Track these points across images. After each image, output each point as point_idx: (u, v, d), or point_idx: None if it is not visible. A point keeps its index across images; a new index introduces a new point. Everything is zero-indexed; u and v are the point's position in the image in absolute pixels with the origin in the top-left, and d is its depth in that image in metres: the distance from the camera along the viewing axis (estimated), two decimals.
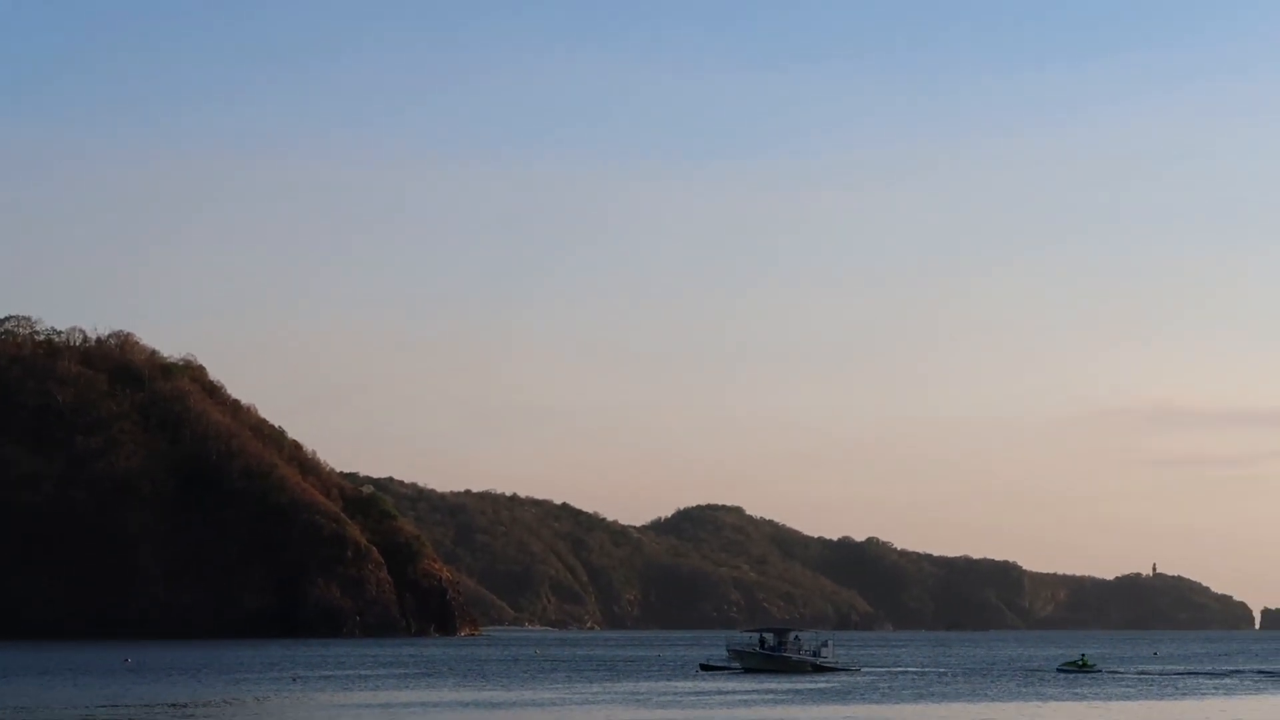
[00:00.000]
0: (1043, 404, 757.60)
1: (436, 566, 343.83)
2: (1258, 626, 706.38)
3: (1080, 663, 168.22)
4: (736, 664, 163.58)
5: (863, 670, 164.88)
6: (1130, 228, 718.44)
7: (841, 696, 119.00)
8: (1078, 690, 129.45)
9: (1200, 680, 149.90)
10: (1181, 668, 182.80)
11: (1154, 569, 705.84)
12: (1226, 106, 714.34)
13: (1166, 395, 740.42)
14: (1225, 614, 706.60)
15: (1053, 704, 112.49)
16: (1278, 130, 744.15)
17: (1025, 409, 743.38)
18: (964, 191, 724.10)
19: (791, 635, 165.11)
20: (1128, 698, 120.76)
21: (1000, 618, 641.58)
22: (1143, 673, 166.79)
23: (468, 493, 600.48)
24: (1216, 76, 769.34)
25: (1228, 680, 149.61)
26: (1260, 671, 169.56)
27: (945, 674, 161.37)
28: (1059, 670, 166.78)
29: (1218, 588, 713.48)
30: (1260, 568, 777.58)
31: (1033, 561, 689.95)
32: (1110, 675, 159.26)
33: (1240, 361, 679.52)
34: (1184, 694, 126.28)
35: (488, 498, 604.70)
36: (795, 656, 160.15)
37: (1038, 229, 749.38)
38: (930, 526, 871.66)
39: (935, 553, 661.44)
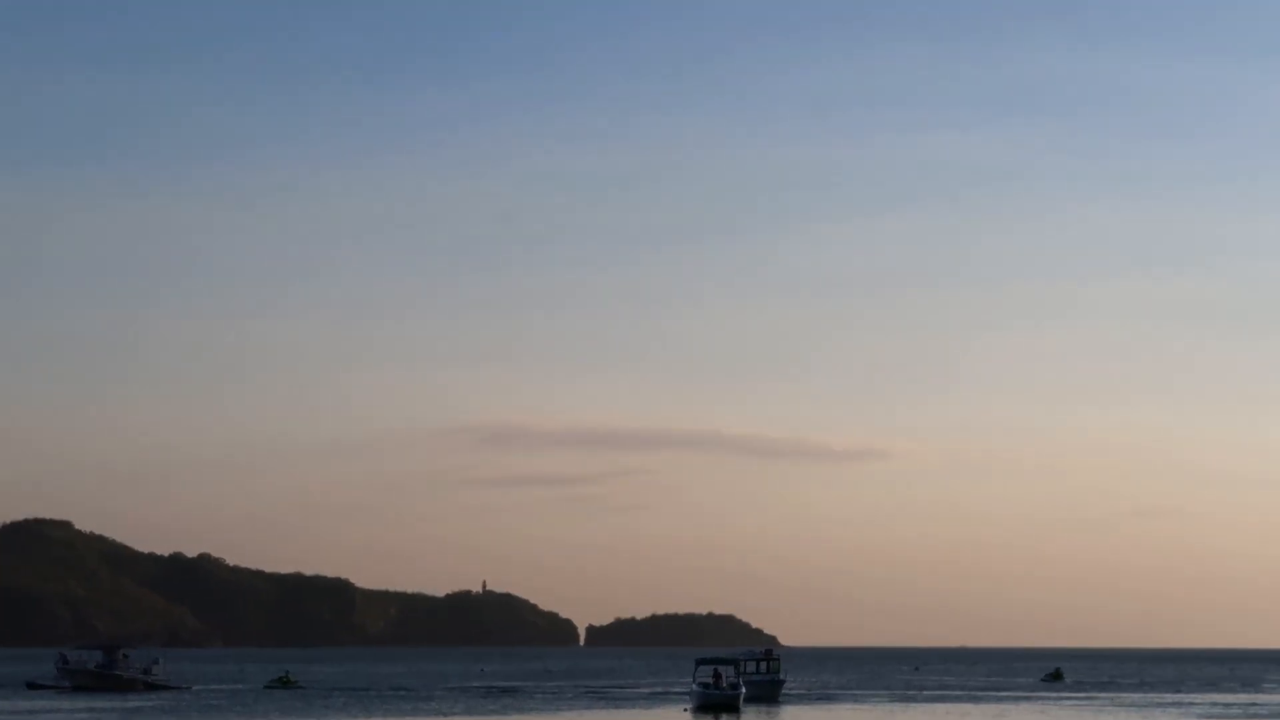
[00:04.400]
0: (377, 423, 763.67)
1: None
2: (582, 643, 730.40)
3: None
4: (66, 682, 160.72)
5: (193, 687, 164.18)
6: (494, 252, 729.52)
7: (170, 713, 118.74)
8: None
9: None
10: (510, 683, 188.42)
11: (484, 586, 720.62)
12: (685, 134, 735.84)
13: (501, 416, 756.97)
14: (553, 631, 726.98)
15: None
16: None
17: (361, 428, 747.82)
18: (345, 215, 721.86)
19: (121, 653, 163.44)
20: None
21: (333, 634, 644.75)
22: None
23: None
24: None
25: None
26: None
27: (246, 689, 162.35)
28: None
29: (545, 605, 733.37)
30: (585, 586, 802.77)
31: (365, 579, 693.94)
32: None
33: (571, 384, 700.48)
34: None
35: None
36: (125, 674, 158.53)
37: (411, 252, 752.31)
38: (264, 543, 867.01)
39: (269, 569, 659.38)
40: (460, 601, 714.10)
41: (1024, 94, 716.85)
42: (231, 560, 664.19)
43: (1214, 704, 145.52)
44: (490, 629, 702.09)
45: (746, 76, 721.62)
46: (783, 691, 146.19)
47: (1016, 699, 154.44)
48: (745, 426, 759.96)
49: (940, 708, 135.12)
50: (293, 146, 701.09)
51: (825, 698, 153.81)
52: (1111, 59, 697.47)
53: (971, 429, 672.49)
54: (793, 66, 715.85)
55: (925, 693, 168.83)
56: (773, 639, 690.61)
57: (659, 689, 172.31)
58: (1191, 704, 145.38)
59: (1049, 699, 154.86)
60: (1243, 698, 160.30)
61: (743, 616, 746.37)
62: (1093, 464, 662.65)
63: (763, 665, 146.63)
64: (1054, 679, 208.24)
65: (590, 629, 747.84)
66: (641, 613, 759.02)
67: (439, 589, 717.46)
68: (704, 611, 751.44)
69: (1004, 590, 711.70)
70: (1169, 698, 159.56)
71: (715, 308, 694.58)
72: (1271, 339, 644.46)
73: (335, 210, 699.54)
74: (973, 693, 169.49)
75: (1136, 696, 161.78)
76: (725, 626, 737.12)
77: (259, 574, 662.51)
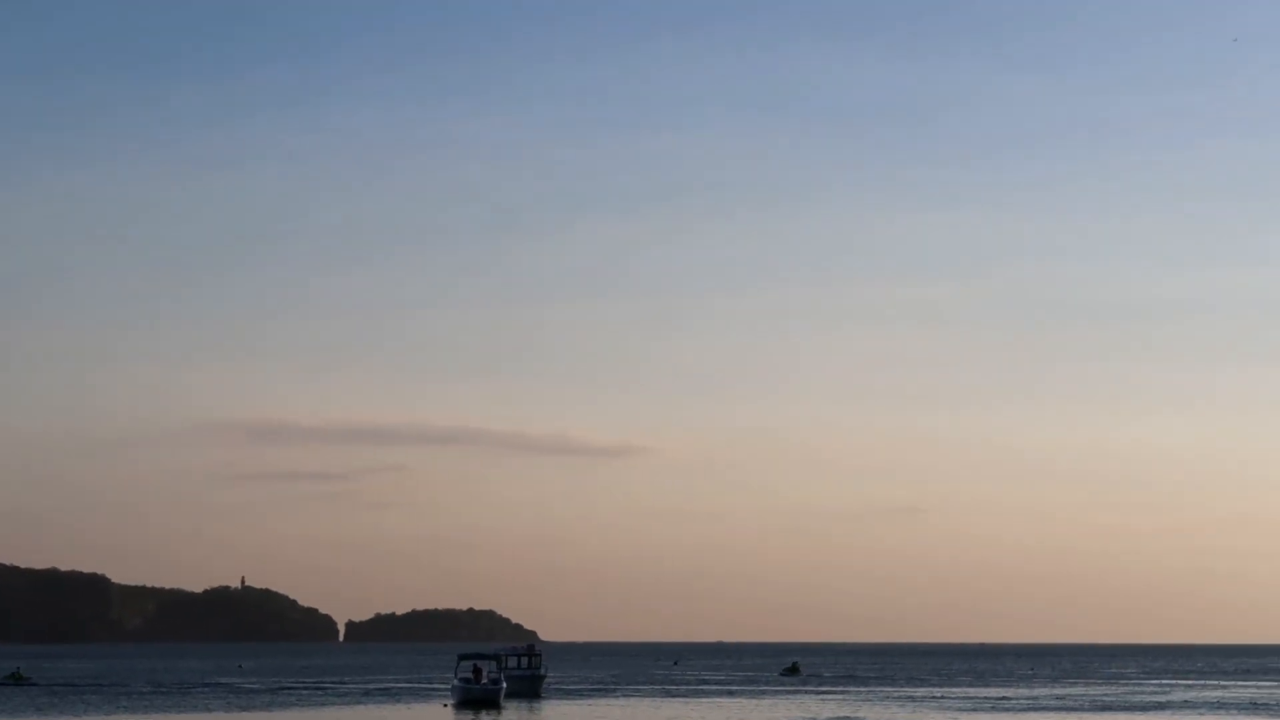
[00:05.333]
0: (134, 419, 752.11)
1: None
2: (342, 639, 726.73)
3: None
4: None
5: None
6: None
7: None
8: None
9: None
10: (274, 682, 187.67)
11: (243, 582, 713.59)
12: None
13: (259, 413, 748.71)
14: (313, 627, 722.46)
15: None
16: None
17: (117, 424, 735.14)
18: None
19: None
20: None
21: (90, 630, 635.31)
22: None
23: None
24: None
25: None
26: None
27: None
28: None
29: (305, 601, 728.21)
30: (345, 582, 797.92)
31: (122, 574, 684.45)
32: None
33: (331, 380, 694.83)
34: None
35: None
36: None
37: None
38: (19, 538, 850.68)
39: (23, 565, 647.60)
40: (219, 598, 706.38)
41: (787, 95, 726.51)
42: None
43: (945, 696, 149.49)
44: (250, 625, 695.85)
45: (509, 73, 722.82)
46: (544, 686, 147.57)
47: (761, 693, 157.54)
48: (505, 423, 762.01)
49: (696, 702, 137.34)
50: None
51: (587, 693, 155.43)
52: (875, 63, 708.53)
53: (730, 428, 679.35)
54: (558, 65, 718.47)
55: (684, 687, 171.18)
56: (533, 634, 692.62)
57: (420, 684, 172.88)
58: (928, 697, 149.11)
59: (785, 692, 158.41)
60: (985, 691, 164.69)
61: (503, 612, 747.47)
62: (840, 460, 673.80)
63: (524, 661, 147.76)
64: (791, 673, 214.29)
65: (350, 625, 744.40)
66: (401, 609, 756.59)
67: (197, 585, 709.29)
68: (464, 607, 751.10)
69: (758, 587, 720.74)
70: (904, 691, 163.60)
71: (475, 305, 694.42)
72: (1012, 340, 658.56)
73: (81, 209, 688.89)
74: (728, 687, 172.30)
75: (869, 690, 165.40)
76: (485, 622, 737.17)
77: (13, 569, 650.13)
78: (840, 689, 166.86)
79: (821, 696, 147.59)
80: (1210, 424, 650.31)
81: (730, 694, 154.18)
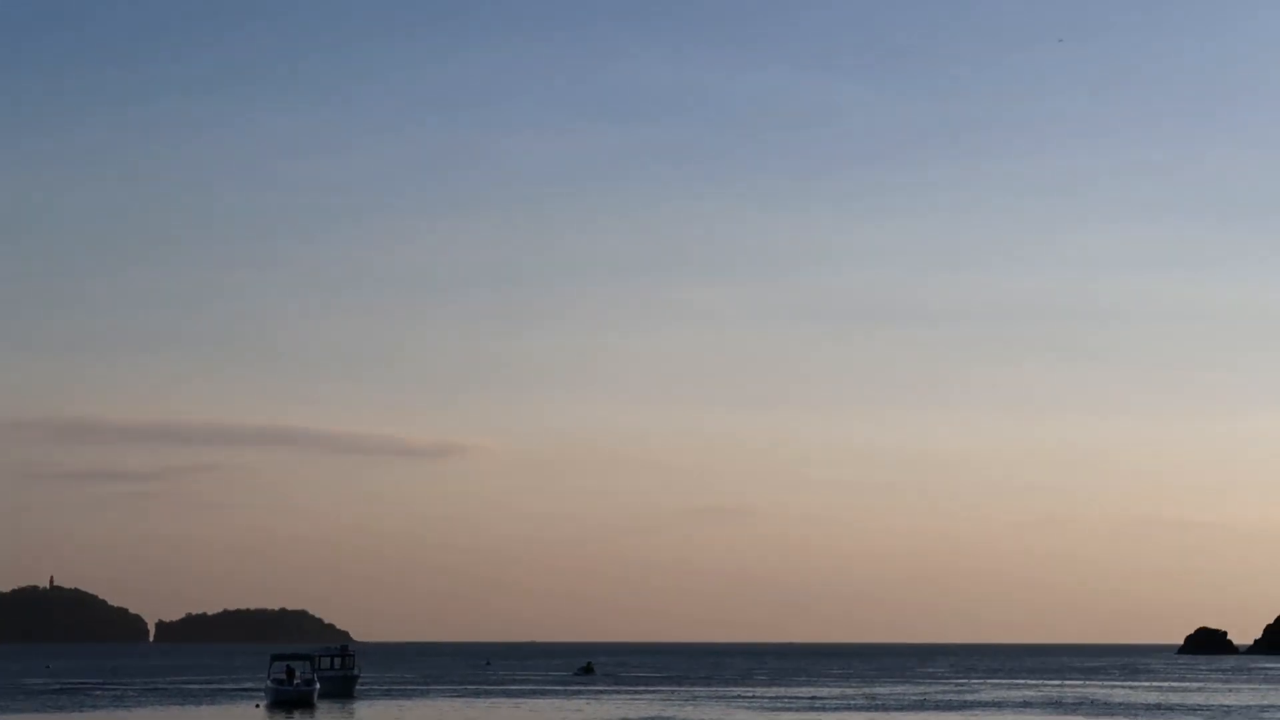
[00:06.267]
0: None
1: None
2: (152, 639, 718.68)
3: None
4: None
5: None
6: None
7: None
8: None
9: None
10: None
11: (51, 582, 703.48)
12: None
13: (68, 410, 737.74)
14: (123, 627, 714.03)
15: None
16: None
17: None
18: None
19: None
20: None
21: None
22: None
23: None
24: None
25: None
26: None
27: None
28: None
29: (115, 601, 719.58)
30: (156, 581, 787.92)
31: None
32: None
33: (144, 378, 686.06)
34: None
35: None
36: None
37: None
38: None
39: None
40: (26, 597, 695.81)
41: (613, 98, 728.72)
42: None
43: (755, 696, 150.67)
44: (58, 625, 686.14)
45: (336, 77, 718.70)
46: (357, 687, 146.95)
47: (555, 692, 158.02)
48: (323, 423, 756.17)
49: (500, 703, 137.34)
50: None
51: (399, 694, 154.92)
52: (703, 66, 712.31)
53: (548, 429, 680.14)
54: (383, 65, 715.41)
55: (497, 688, 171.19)
56: (345, 634, 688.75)
57: (231, 685, 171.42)
58: (737, 696, 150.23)
59: (574, 693, 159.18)
60: (797, 691, 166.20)
61: (316, 612, 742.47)
62: (660, 461, 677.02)
63: (338, 661, 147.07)
64: (585, 672, 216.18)
65: (161, 625, 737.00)
66: (213, 609, 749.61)
67: (4, 585, 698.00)
68: (276, 607, 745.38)
69: (571, 587, 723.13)
70: (712, 690, 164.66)
71: (293, 305, 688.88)
72: (852, 342, 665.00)
73: None
74: (531, 687, 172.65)
75: (667, 690, 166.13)
76: (298, 622, 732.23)
77: None
78: (631, 689, 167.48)
79: (614, 697, 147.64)
80: (1015, 425, 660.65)
81: (534, 695, 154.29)
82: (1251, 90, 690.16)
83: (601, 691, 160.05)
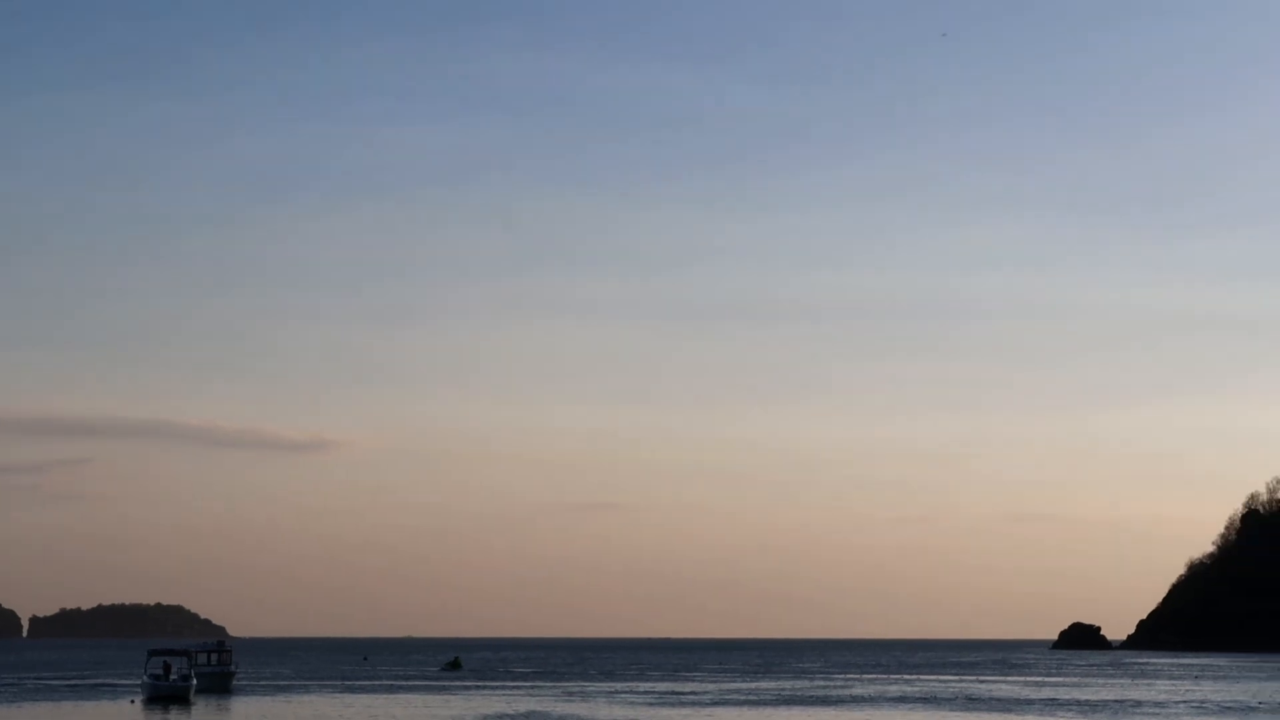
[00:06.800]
0: None
1: None
2: (25, 634, 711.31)
3: None
4: None
5: None
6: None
7: None
8: None
9: None
10: None
11: None
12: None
13: None
14: None
15: None
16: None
17: None
18: None
19: None
20: None
21: None
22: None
23: None
24: None
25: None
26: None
27: None
28: None
29: None
30: (28, 575, 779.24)
31: None
32: None
33: (13, 370, 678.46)
34: None
35: None
36: None
37: None
38: None
39: None
40: None
41: (482, 96, 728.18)
42: None
43: (629, 691, 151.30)
44: None
45: (213, 71, 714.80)
46: (233, 683, 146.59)
47: (425, 688, 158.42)
48: (197, 416, 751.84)
49: (379, 698, 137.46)
50: None
51: (276, 689, 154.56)
52: (572, 63, 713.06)
53: (423, 423, 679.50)
54: (261, 61, 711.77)
55: (373, 683, 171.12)
56: (222, 629, 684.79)
57: (106, 681, 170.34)
58: (610, 692, 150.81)
59: (450, 686, 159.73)
60: (676, 685, 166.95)
61: (191, 607, 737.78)
62: (531, 455, 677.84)
63: (214, 657, 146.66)
64: (453, 667, 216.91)
65: (34, 620, 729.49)
66: (88, 603, 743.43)
67: None
68: (152, 602, 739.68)
69: (448, 580, 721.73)
70: (582, 685, 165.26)
71: (166, 301, 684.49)
72: (719, 339, 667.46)
73: None
74: (405, 682, 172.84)
75: (526, 685, 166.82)
76: (174, 617, 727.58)
77: None
78: (497, 684, 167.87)
79: (478, 693, 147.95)
80: (882, 421, 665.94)
81: (405, 690, 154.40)
82: (1103, 88, 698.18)
83: (467, 687, 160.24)
